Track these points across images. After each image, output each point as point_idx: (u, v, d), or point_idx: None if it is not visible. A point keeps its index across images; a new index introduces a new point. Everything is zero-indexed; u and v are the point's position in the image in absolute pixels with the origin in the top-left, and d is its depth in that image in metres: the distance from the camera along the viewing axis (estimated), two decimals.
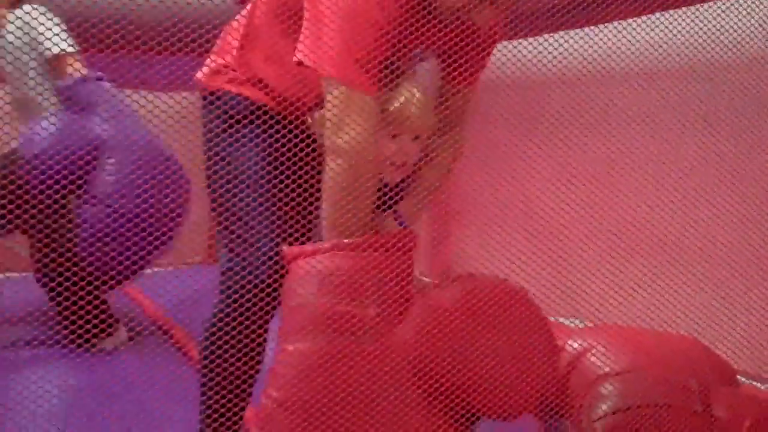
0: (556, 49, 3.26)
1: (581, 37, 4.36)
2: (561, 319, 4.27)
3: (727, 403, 2.48)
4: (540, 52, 4.39)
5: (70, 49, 3.83)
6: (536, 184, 4.97)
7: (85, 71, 3.85)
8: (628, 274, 4.18)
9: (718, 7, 3.55)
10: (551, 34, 4.40)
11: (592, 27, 4.20)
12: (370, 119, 1.91)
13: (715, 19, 3.60)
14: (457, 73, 2.19)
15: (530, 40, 4.51)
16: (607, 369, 2.58)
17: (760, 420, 2.44)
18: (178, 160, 3.77)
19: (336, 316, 1.78)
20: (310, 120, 2.05)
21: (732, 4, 3.52)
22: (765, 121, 3.48)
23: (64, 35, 3.85)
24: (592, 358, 2.65)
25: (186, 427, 2.44)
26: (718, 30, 3.55)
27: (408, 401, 1.77)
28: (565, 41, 4.36)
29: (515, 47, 4.66)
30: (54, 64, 3.79)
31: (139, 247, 3.51)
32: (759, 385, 2.82)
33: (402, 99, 2.03)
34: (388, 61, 1.99)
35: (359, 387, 1.75)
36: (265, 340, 2.13)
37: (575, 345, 2.74)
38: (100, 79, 3.86)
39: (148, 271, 5.86)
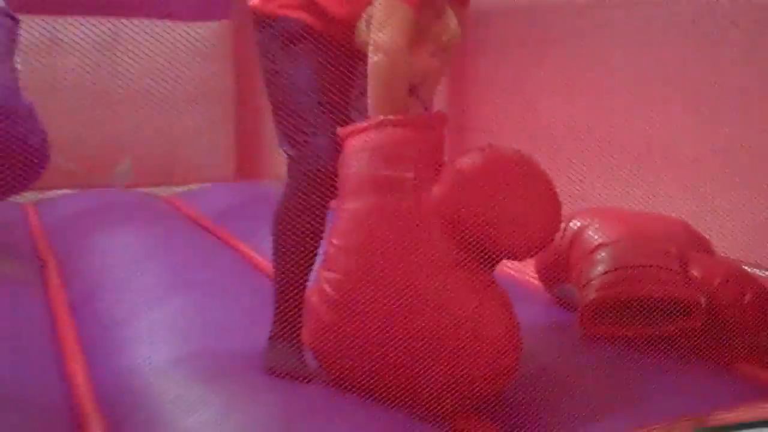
0: None
1: None
2: None
3: (701, 265, 2.97)
4: None
5: None
6: (546, 101, 5.41)
7: None
8: (628, 179, 4.65)
9: None
10: None
11: None
12: (408, 25, 2.40)
13: None
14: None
15: None
16: (601, 240, 3.08)
17: (727, 277, 2.93)
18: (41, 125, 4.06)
19: (382, 179, 2.27)
20: (361, 27, 2.51)
21: None
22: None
23: None
24: (590, 232, 3.15)
25: None
26: None
27: (440, 245, 2.26)
28: None
29: None
30: None
31: None
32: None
33: (451, 27, 2.53)
34: None
35: (400, 235, 2.25)
36: (325, 217, 2.60)
37: (578, 223, 3.25)
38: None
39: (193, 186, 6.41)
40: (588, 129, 5.07)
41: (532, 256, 2.46)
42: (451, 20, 2.58)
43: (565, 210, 3.36)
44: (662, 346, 2.83)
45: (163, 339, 2.89)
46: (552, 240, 2.44)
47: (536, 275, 3.51)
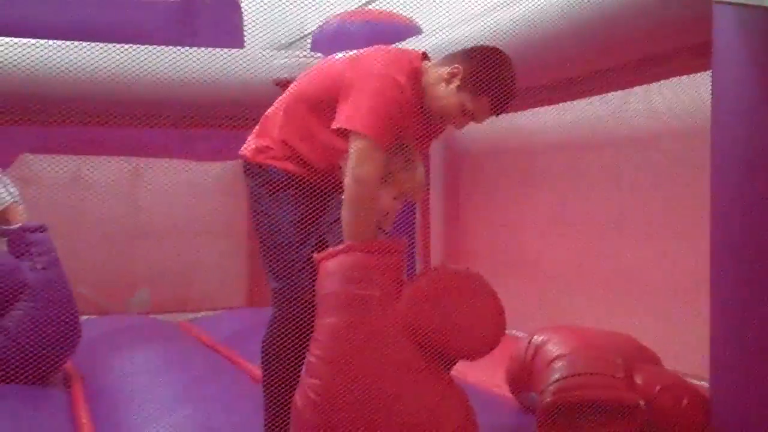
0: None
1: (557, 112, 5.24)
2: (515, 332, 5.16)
3: (645, 374, 3.37)
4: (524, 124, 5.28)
5: (11, 199, 4.72)
6: (528, 233, 5.85)
7: (25, 220, 4.68)
8: (590, 297, 5.05)
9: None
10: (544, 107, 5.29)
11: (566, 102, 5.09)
12: (380, 163, 2.85)
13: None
14: (423, 145, 3.17)
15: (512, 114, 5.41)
16: (558, 352, 3.48)
17: (666, 385, 3.32)
18: (76, 307, 4.56)
19: (352, 297, 2.71)
20: (341, 166, 2.92)
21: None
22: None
23: (5, 189, 4.73)
24: (549, 346, 3.56)
25: None
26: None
27: (404, 351, 2.68)
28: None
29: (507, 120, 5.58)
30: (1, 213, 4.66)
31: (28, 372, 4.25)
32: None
33: (417, 178, 2.97)
34: (395, 132, 2.92)
35: (371, 344, 2.68)
36: (308, 341, 2.94)
37: (540, 338, 3.66)
38: (43, 230, 4.60)
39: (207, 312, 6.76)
40: (566, 257, 5.50)
41: (481, 357, 2.85)
42: (419, 172, 3.01)
43: (537, 325, 3.75)
44: None
45: None
46: (498, 343, 2.84)
47: (507, 387, 3.89)
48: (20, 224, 4.60)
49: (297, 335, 2.95)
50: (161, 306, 6.99)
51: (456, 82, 2.97)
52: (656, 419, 3.24)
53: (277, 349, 3.02)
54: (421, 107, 3.03)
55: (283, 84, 3.26)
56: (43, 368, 4.32)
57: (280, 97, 3.22)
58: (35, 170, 6.60)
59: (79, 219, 6.74)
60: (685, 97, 4.54)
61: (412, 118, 3.00)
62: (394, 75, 2.91)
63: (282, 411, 3.00)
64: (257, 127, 3.24)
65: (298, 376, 3.00)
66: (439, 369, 2.77)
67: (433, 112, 3.05)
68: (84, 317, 6.24)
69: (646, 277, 4.78)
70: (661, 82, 4.47)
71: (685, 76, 4.26)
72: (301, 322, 2.95)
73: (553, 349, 3.53)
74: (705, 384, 3.44)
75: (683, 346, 4.17)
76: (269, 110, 3.23)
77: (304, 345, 2.94)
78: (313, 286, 2.88)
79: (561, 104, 5.33)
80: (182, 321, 6.68)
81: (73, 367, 4.83)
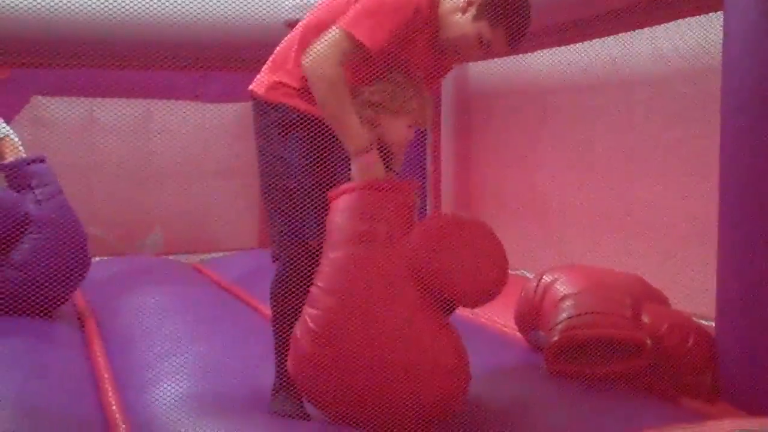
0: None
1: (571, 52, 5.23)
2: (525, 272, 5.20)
3: (651, 313, 3.40)
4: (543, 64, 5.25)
5: (6, 133, 4.70)
6: (539, 173, 5.85)
7: (24, 153, 4.67)
8: (600, 238, 5.08)
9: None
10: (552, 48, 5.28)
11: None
12: (345, 57, 2.80)
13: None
14: (432, 81, 3.13)
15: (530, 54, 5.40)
16: (566, 291, 3.52)
17: (673, 324, 3.36)
18: (85, 237, 4.59)
19: (360, 232, 2.72)
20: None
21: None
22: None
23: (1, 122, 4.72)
24: (557, 285, 3.59)
25: None
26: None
27: (405, 290, 2.69)
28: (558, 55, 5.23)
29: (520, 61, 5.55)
30: None
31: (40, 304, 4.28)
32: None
33: (426, 111, 2.95)
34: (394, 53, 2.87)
35: (373, 280, 2.69)
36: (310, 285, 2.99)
37: (548, 278, 3.70)
38: (41, 160, 4.60)
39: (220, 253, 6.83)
40: (577, 198, 5.51)
41: (481, 305, 2.87)
42: (429, 106, 2.99)
43: (547, 265, 3.76)
44: (617, 382, 3.25)
45: (185, 378, 3.34)
46: (500, 292, 2.84)
47: (516, 325, 3.93)
48: (15, 158, 4.60)
49: (302, 280, 2.96)
50: (174, 247, 7.04)
51: (472, 11, 2.92)
52: (663, 357, 3.28)
53: (284, 293, 3.05)
54: (435, 38, 2.99)
55: (293, 25, 3.21)
56: (54, 298, 4.38)
57: (293, 31, 3.14)
58: (47, 113, 6.61)
59: (92, 161, 6.76)
60: (695, 38, 4.51)
61: (423, 48, 2.98)
62: None
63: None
64: (269, 61, 3.16)
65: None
66: (438, 312, 2.78)
67: (447, 43, 3.00)
68: (97, 258, 6.33)
69: (655, 218, 4.78)
70: (672, 23, 4.44)
71: (695, 17, 4.23)
72: (306, 268, 2.95)
73: (562, 288, 3.57)
74: (712, 324, 3.48)
75: (691, 287, 4.20)
76: (282, 44, 3.15)
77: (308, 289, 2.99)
78: (320, 232, 2.89)
79: (572, 45, 5.30)
80: (195, 262, 6.73)
81: (87, 305, 4.90)
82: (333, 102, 2.80)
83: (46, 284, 4.30)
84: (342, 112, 2.81)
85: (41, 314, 4.30)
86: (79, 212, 4.66)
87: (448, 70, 3.28)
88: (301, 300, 2.90)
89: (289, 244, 3.03)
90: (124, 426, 2.97)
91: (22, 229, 4.35)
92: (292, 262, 3.02)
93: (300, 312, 2.90)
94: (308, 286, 2.88)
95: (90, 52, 5.49)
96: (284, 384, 3.09)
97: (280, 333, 3.08)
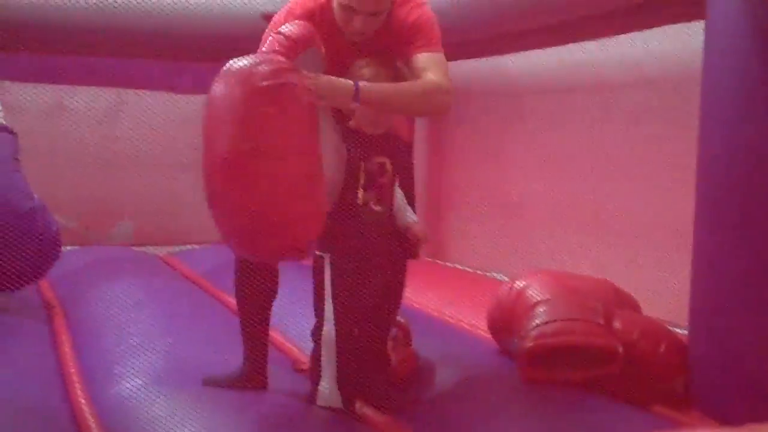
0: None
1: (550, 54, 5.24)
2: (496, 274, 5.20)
3: (624, 320, 3.41)
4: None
5: None
6: (511, 175, 5.86)
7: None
8: (571, 241, 5.09)
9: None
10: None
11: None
12: None
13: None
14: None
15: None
16: (539, 297, 3.51)
17: (645, 331, 3.37)
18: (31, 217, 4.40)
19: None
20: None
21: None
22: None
23: None
24: (530, 291, 3.58)
25: None
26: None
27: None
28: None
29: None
30: None
31: None
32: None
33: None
34: None
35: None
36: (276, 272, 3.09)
37: (521, 283, 3.69)
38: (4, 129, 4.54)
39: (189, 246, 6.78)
40: (546, 198, 5.53)
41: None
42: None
43: (518, 267, 3.76)
44: (589, 388, 3.25)
45: (154, 371, 3.31)
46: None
47: (488, 330, 3.92)
48: None
49: (259, 273, 3.06)
50: (144, 239, 6.98)
51: None
52: (634, 364, 3.28)
53: (243, 287, 3.16)
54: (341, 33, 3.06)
55: (270, 17, 3.21)
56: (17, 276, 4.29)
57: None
58: (15, 98, 6.52)
59: (61, 149, 6.70)
60: (671, 44, 4.54)
61: (339, 46, 3.04)
62: None
63: (256, 344, 3.17)
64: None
65: (269, 311, 3.19)
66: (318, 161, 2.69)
67: (342, 27, 3.06)
68: (66, 248, 6.28)
69: (629, 222, 4.81)
70: (654, 29, 4.46)
71: (677, 24, 4.25)
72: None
73: (534, 294, 3.56)
74: (682, 331, 3.50)
75: (663, 293, 4.22)
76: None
77: (267, 282, 3.12)
78: None
79: (547, 48, 5.32)
80: (163, 254, 6.68)
81: (54, 295, 4.84)
82: None
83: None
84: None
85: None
86: (46, 200, 4.59)
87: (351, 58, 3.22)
88: (260, 294, 3.10)
89: None
90: (92, 419, 2.93)
91: None
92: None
93: (261, 304, 3.13)
94: (266, 281, 3.05)
95: (60, 39, 5.46)
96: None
97: (245, 325, 3.19)
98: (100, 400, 3.12)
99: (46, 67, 6.50)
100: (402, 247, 3.14)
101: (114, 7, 5.28)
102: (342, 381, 3.01)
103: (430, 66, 2.97)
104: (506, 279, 4.76)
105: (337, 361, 3.01)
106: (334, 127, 2.98)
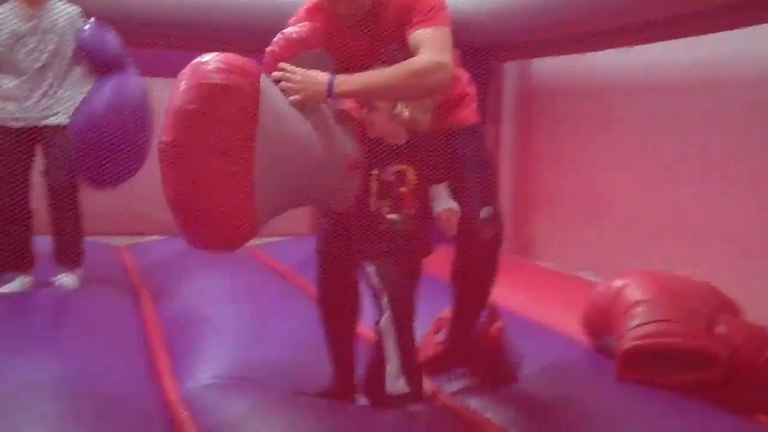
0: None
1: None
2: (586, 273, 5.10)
3: (725, 324, 3.30)
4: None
5: None
6: (603, 175, 5.75)
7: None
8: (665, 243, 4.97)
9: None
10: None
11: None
12: None
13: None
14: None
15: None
16: (638, 297, 3.42)
17: (748, 337, 3.25)
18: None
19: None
20: None
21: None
22: None
23: None
24: (628, 291, 3.50)
25: None
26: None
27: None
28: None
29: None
30: None
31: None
32: None
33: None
34: None
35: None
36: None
37: (618, 283, 3.60)
38: None
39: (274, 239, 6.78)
40: (637, 199, 5.42)
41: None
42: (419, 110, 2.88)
43: (610, 270, 3.68)
44: (688, 393, 3.15)
45: (240, 365, 3.32)
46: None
47: (583, 328, 3.83)
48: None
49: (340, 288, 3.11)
50: None
51: None
52: (737, 371, 3.18)
53: (325, 307, 3.20)
54: (347, 27, 2.95)
55: None
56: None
57: None
58: None
59: None
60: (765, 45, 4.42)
61: (348, 41, 2.94)
62: None
63: (341, 361, 3.20)
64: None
65: (353, 329, 3.21)
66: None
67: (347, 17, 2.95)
68: (154, 237, 6.36)
69: (728, 224, 4.67)
70: (747, 28, 4.34)
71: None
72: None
73: (633, 294, 3.47)
74: None
75: (765, 297, 4.09)
76: None
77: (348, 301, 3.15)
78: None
79: (638, 47, 5.21)
80: (251, 246, 6.67)
81: (143, 284, 4.88)
82: None
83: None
84: None
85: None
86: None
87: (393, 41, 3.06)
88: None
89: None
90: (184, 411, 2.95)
91: None
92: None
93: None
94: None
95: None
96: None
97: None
98: (187, 388, 3.14)
99: None
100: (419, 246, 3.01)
101: None
102: (406, 367, 2.91)
103: (425, 42, 2.78)
104: (594, 279, 4.68)
105: (398, 348, 2.92)
106: (353, 134, 2.88)
